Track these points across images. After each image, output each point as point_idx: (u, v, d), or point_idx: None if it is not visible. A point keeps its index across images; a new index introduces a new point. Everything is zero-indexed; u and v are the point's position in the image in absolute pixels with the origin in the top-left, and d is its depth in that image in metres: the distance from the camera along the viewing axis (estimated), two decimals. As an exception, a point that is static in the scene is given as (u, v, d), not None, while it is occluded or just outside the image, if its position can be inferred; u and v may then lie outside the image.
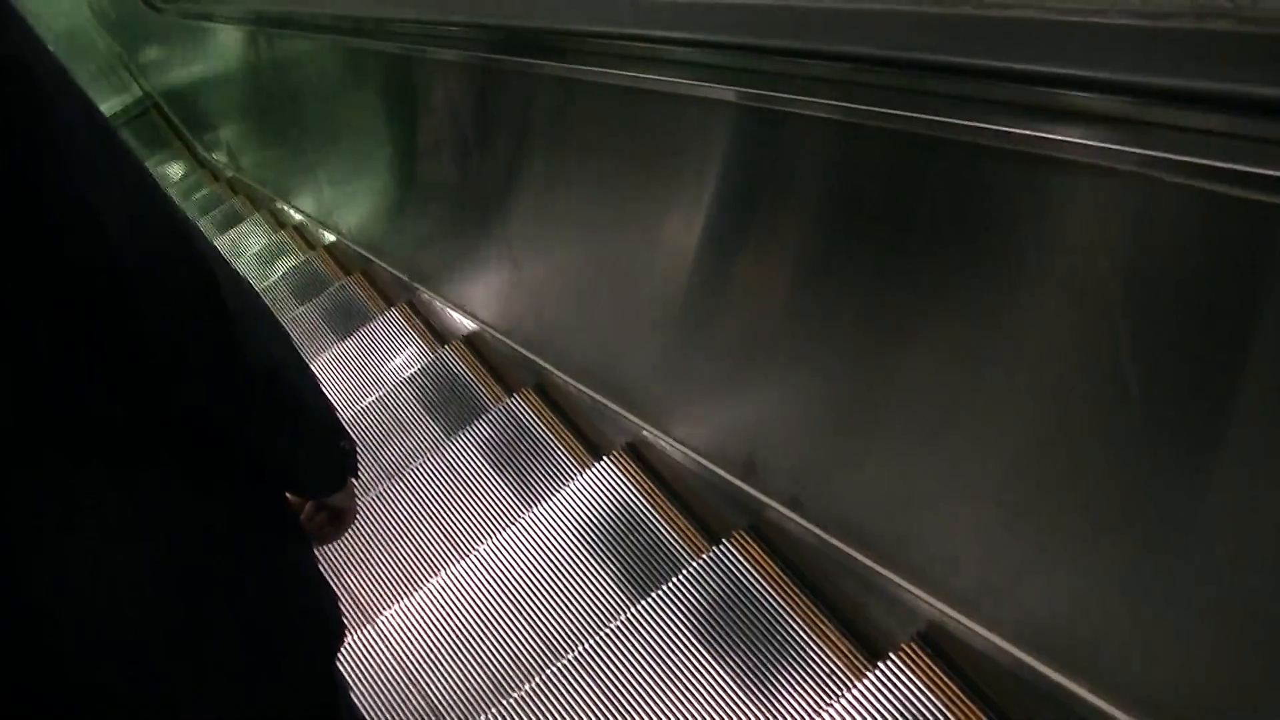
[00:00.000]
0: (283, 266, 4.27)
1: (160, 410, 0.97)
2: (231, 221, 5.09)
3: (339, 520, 1.31)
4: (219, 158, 5.54)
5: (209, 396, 0.99)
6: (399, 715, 2.16)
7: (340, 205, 3.78)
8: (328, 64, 3.00)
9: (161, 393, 0.96)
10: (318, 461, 1.20)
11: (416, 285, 3.31)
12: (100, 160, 0.86)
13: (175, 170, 6.34)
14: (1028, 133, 0.97)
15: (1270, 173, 0.77)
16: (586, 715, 1.93)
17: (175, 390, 0.97)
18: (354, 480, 1.28)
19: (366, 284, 3.77)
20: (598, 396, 2.40)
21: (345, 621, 1.23)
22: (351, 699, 1.42)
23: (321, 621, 1.19)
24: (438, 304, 3.22)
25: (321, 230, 4.13)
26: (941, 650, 1.59)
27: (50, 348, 0.88)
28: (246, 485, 1.10)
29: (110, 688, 0.98)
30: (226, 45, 3.93)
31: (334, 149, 3.43)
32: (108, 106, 6.39)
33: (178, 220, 0.93)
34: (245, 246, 4.70)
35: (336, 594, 1.25)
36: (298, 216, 4.40)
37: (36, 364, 0.88)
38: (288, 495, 1.23)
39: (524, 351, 2.73)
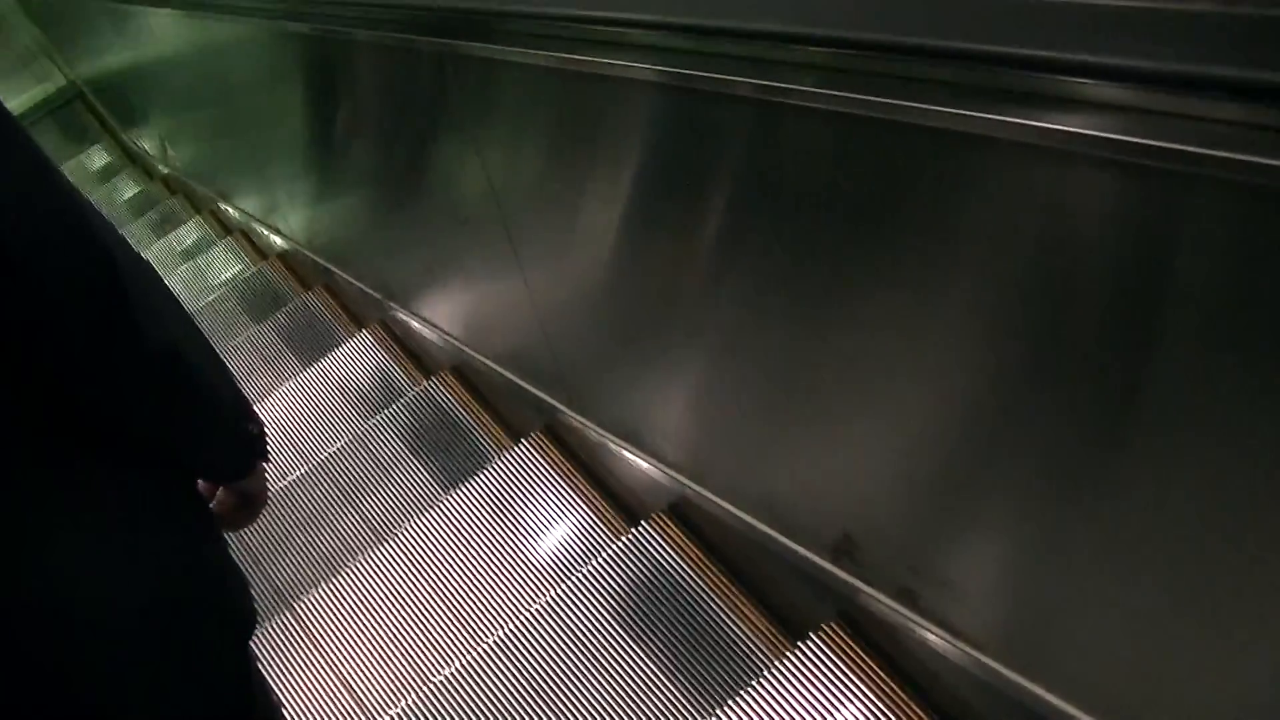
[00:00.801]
0: (228, 274, 3.84)
1: (61, 399, 0.95)
2: (170, 224, 4.61)
3: (250, 505, 1.29)
4: (151, 152, 5.04)
5: (106, 379, 0.97)
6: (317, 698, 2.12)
7: (297, 208, 3.36)
8: (278, 55, 2.58)
9: (59, 377, 0.94)
10: (223, 445, 1.18)
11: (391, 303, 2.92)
12: None
13: (101, 165, 5.78)
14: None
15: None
16: (509, 699, 1.94)
17: (72, 373, 0.94)
18: (264, 464, 1.27)
19: (330, 299, 3.36)
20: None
21: (257, 608, 1.23)
22: (266, 684, 1.37)
23: (232, 609, 1.18)
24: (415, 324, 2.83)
25: (274, 236, 3.70)
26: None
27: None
28: (152, 473, 1.07)
29: (24, 685, 0.97)
30: (164, 30, 3.49)
31: (288, 145, 3.00)
32: (28, 96, 5.84)
33: (71, 202, 0.91)
34: (183, 252, 4.25)
35: (248, 580, 1.23)
36: (252, 224, 3.96)
37: None
38: (199, 481, 1.21)
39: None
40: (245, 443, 1.21)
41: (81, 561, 0.99)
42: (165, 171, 4.91)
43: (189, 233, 4.38)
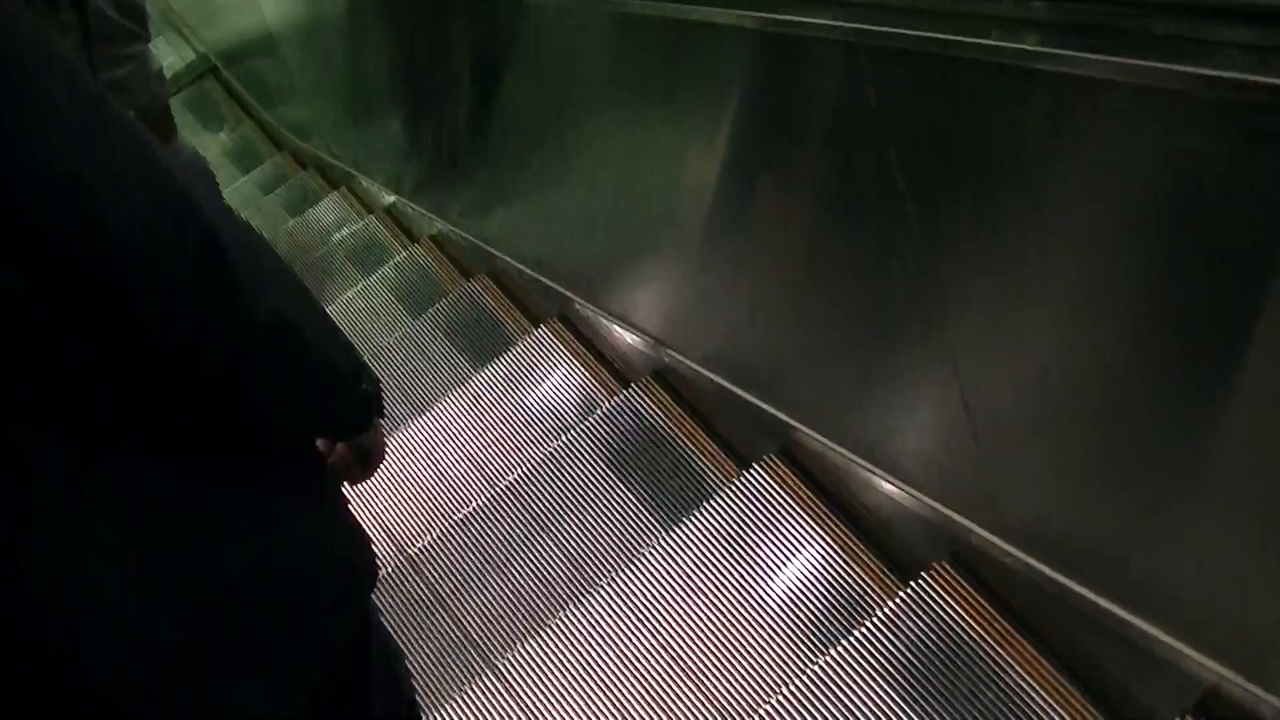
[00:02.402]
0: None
1: (166, 379, 0.97)
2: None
3: (367, 459, 1.33)
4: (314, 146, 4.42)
5: (216, 350, 0.98)
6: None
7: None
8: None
9: (168, 353, 0.95)
10: (339, 407, 1.21)
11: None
12: (88, 132, 0.86)
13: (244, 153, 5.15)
14: None
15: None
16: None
17: (180, 347, 0.95)
18: (380, 420, 1.29)
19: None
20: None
21: (377, 561, 1.24)
22: (382, 624, 1.39)
23: (350, 569, 1.19)
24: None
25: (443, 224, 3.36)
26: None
27: (40, 332, 0.89)
28: (263, 443, 1.10)
29: (123, 673, 0.99)
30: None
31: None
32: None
33: (169, 177, 0.93)
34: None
35: (367, 535, 1.23)
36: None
37: (26, 348, 0.88)
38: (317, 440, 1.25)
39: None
40: (362, 402, 1.22)
41: (191, 530, 1.02)
42: (331, 160, 4.32)
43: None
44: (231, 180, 4.86)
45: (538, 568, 2.19)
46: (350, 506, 1.22)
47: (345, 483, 1.30)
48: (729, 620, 1.90)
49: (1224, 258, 0.98)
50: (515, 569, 2.20)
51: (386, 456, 1.35)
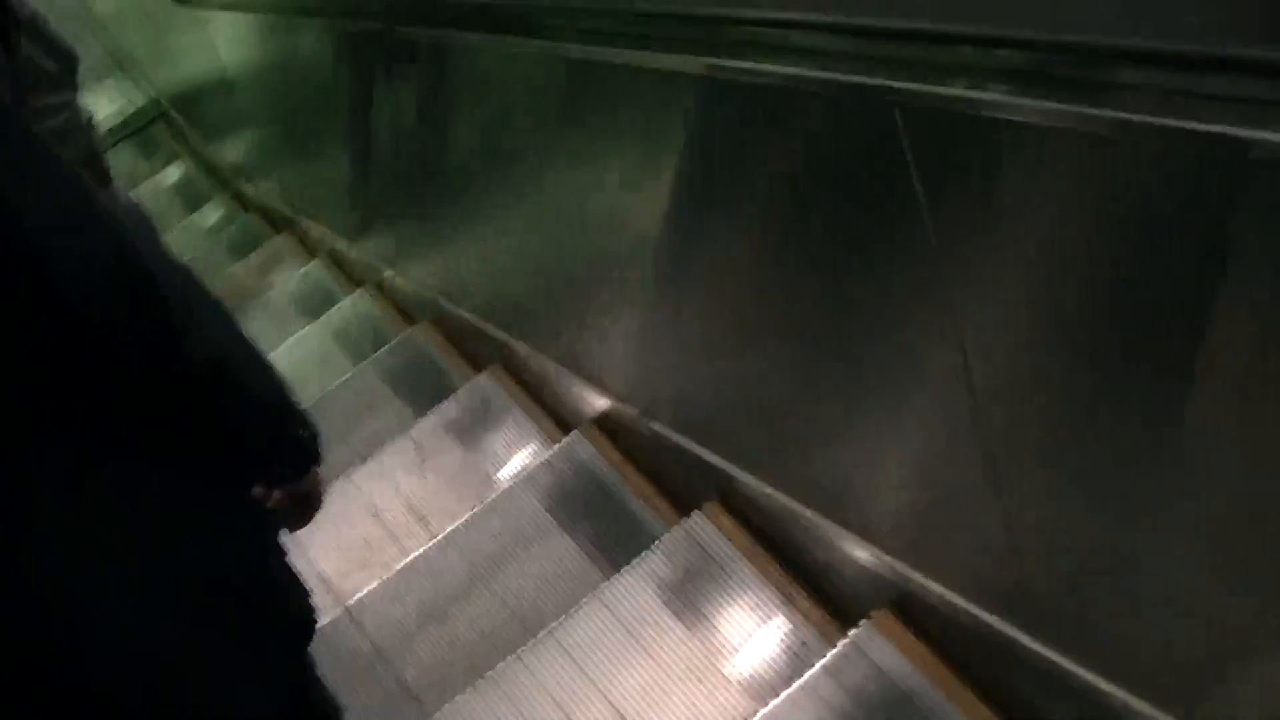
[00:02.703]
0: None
1: (111, 407, 0.96)
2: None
3: (306, 505, 1.31)
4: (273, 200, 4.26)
5: (152, 390, 0.98)
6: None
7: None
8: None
9: (108, 390, 0.95)
10: (275, 450, 1.21)
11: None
12: (26, 174, 0.87)
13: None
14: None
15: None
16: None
17: (119, 386, 0.95)
18: (318, 466, 1.28)
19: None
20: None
21: (315, 606, 1.23)
22: (330, 698, 1.39)
23: (285, 612, 1.18)
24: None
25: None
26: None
27: (41, 339, 0.90)
28: (198, 477, 1.08)
29: (123, 673, 0.99)
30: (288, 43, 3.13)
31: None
32: (106, 118, 5.53)
33: (111, 223, 0.94)
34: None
35: (309, 590, 1.22)
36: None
37: (26, 356, 0.89)
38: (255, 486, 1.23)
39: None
40: (297, 447, 1.23)
41: (135, 570, 0.99)
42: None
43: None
44: (178, 220, 4.83)
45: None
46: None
47: (286, 530, 1.28)
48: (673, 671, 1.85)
49: (1142, 304, 0.98)
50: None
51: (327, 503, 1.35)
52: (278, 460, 1.23)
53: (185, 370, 0.99)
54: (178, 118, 5.17)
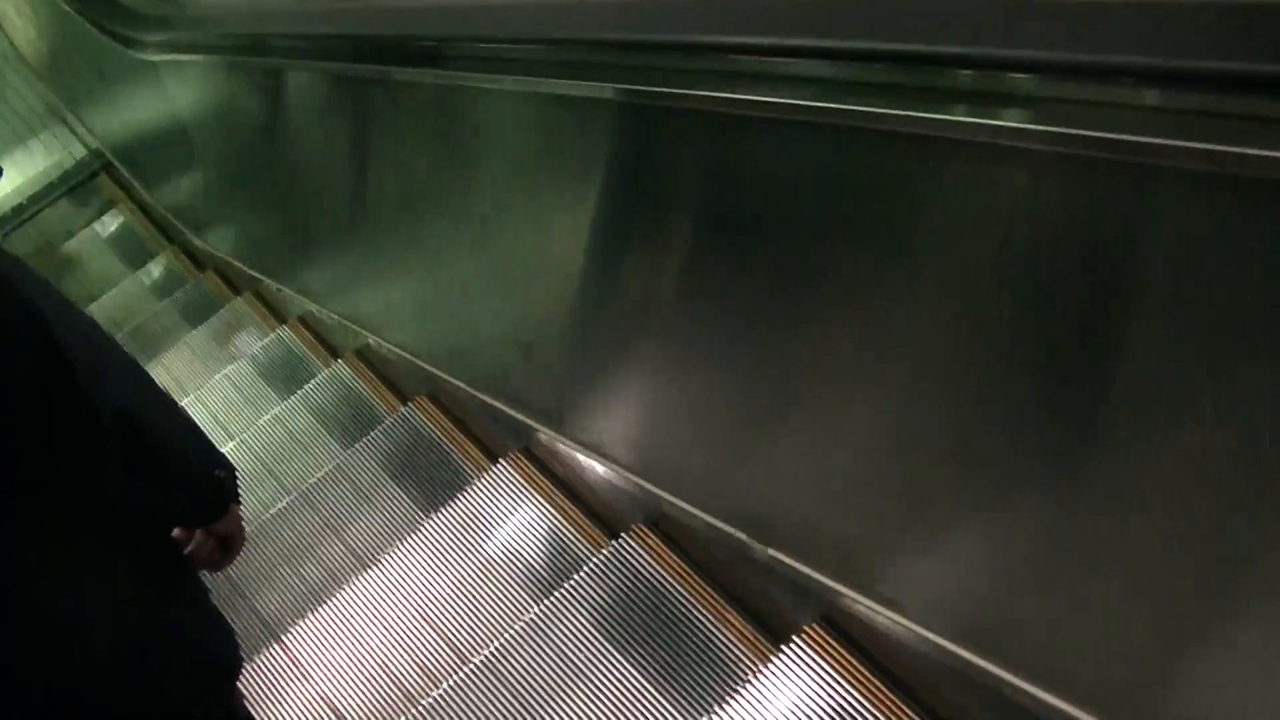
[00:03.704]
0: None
1: (23, 466, 0.97)
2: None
3: (229, 545, 1.33)
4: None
5: (59, 448, 1.00)
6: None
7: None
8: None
9: (15, 449, 0.96)
10: (192, 494, 1.23)
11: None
12: None
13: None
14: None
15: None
16: None
17: (24, 446, 0.96)
18: (237, 506, 1.31)
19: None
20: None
21: (243, 655, 1.27)
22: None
23: (211, 656, 1.22)
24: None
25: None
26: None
27: None
28: (122, 533, 1.12)
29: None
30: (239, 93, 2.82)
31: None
32: (44, 174, 5.13)
33: (6, 286, 0.94)
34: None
35: (231, 628, 1.26)
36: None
37: None
38: (175, 529, 1.26)
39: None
40: (214, 488, 1.26)
41: (59, 621, 1.02)
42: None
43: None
44: (120, 278, 4.43)
45: None
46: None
47: (210, 569, 1.32)
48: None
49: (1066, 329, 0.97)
50: None
51: None
52: (198, 503, 1.25)
53: (93, 421, 1.01)
54: (123, 170, 4.77)
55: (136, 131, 4.10)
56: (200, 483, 1.23)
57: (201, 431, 1.24)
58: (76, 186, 5.08)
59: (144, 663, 1.09)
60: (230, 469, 1.26)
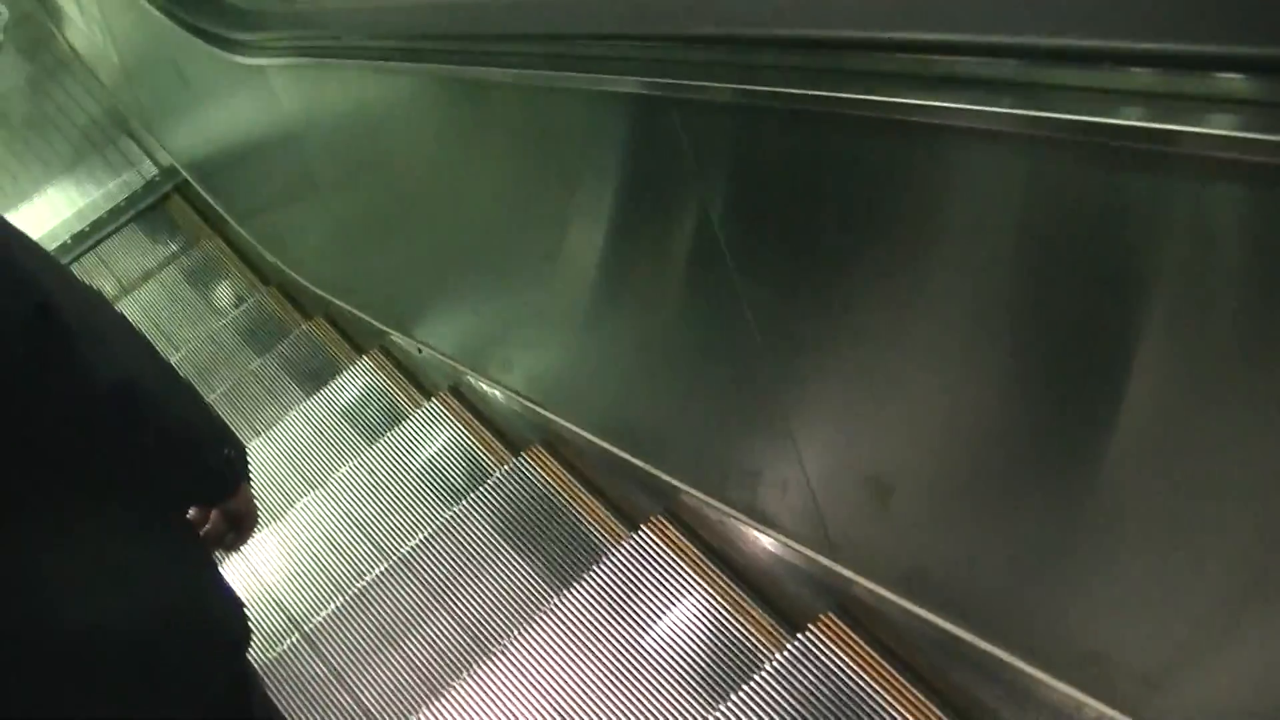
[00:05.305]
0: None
1: (29, 438, 1.01)
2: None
3: (241, 525, 1.34)
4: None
5: (55, 414, 1.02)
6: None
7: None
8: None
9: (12, 416, 0.99)
10: (199, 471, 1.24)
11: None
12: None
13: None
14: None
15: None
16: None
17: (20, 410, 0.98)
18: (249, 484, 1.33)
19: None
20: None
21: (250, 626, 1.30)
22: (271, 703, 1.46)
23: (224, 632, 1.25)
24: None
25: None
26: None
27: None
28: (131, 505, 1.15)
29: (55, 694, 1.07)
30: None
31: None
32: (107, 193, 4.48)
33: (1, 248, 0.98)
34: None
35: (241, 600, 1.29)
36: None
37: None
38: (191, 510, 1.29)
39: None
40: (223, 466, 1.26)
41: (65, 593, 1.05)
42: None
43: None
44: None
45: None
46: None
47: (224, 550, 1.35)
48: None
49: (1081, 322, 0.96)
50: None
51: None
52: (205, 480, 1.26)
53: (94, 393, 1.04)
54: (205, 194, 4.08)
55: (224, 149, 3.45)
56: (207, 458, 1.23)
57: (211, 408, 1.26)
58: (146, 210, 4.42)
59: (147, 630, 1.12)
60: (240, 448, 1.27)
